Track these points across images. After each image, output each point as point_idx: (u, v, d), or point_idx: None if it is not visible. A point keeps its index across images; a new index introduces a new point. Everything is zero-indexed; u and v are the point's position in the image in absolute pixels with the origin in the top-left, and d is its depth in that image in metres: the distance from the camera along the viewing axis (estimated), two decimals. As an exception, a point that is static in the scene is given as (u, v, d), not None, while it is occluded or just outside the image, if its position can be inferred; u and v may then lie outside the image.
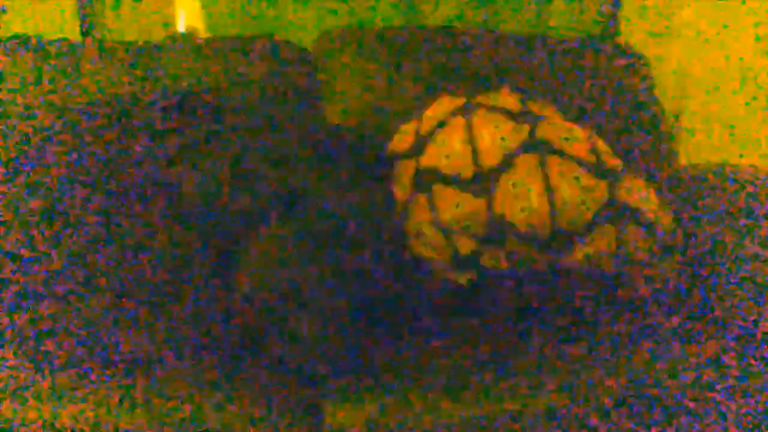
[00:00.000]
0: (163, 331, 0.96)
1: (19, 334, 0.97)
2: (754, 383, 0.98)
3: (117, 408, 0.87)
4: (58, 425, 0.86)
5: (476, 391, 0.93)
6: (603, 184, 1.08)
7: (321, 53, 1.46)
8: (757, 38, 1.68)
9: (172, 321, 0.97)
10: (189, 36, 1.74)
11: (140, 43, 1.43)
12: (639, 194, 1.10)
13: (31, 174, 1.04)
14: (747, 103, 1.70)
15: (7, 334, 0.98)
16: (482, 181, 1.08)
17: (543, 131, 1.12)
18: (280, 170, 1.06)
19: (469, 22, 1.75)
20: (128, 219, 1.00)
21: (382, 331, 1.04)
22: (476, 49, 1.45)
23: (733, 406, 0.97)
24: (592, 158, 1.11)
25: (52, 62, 1.35)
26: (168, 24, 1.74)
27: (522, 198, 1.06)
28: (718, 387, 0.97)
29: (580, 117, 1.22)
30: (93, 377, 0.91)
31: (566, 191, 1.06)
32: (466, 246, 1.09)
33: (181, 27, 1.76)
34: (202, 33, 1.75)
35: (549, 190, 1.06)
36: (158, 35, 1.71)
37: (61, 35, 1.54)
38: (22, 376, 0.92)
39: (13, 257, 0.98)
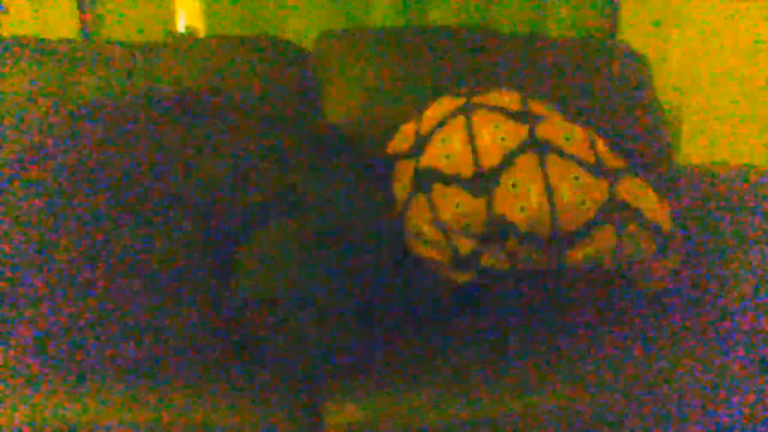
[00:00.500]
0: (162, 331, 0.96)
1: (19, 334, 0.97)
2: (754, 383, 0.98)
3: (116, 408, 0.87)
4: (58, 425, 0.86)
5: (476, 391, 0.93)
6: (603, 184, 1.08)
7: (321, 53, 1.46)
8: (757, 38, 1.68)
9: (172, 321, 0.97)
10: (189, 36, 1.74)
11: (140, 43, 1.43)
12: (639, 194, 1.10)
13: (31, 174, 1.04)
14: (747, 103, 1.70)
15: (7, 334, 0.98)
16: (482, 181, 1.08)
17: (543, 131, 1.12)
18: (280, 170, 1.06)
19: (469, 22, 1.75)
20: (128, 219, 1.00)
21: (382, 331, 1.04)
22: (476, 49, 1.45)
23: (734, 406, 0.97)
24: (592, 158, 1.11)
25: (52, 62, 1.35)
26: (168, 24, 1.74)
27: (522, 198, 1.06)
28: (718, 387, 0.97)
29: (580, 117, 1.22)
30: (92, 377, 0.91)
31: (566, 191, 1.06)
32: (466, 246, 1.09)
33: (181, 27, 1.76)
34: (202, 33, 1.75)
35: (549, 190, 1.06)
36: (158, 35, 1.71)
37: (61, 35, 1.54)
38: (22, 376, 0.92)
39: (13, 257, 0.98)
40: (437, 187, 1.10)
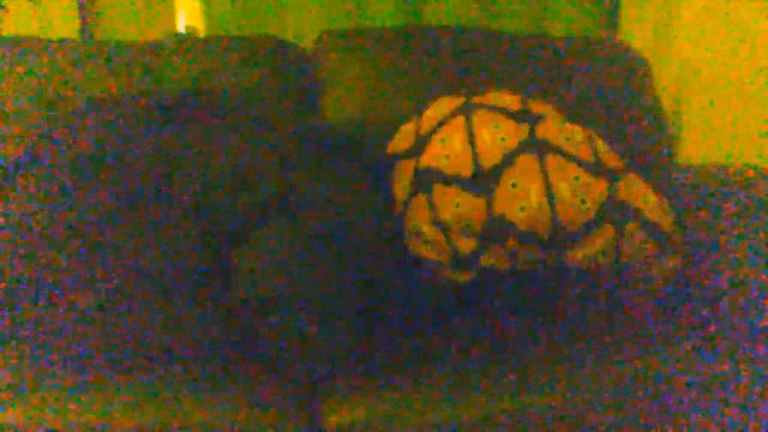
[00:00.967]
0: (161, 331, 0.96)
1: (19, 334, 0.97)
2: (754, 383, 0.98)
3: (115, 408, 0.87)
4: (58, 425, 0.86)
5: (476, 391, 0.93)
6: (603, 184, 1.08)
7: (321, 53, 1.46)
8: (758, 38, 1.68)
9: (171, 321, 0.97)
10: (189, 36, 1.75)
11: (140, 43, 1.43)
12: (639, 194, 1.10)
13: (30, 173, 1.04)
14: (747, 103, 1.70)
15: (7, 334, 0.98)
16: (482, 181, 1.08)
17: (543, 131, 1.12)
18: (280, 170, 1.06)
19: (469, 22, 1.75)
20: (127, 219, 1.00)
21: (381, 331, 1.04)
22: (476, 49, 1.45)
23: (734, 406, 0.97)
24: (592, 158, 1.11)
25: (52, 62, 1.35)
26: (168, 24, 1.74)
27: (522, 198, 1.06)
28: (719, 387, 0.97)
29: (580, 117, 1.22)
30: (92, 377, 0.91)
31: (566, 191, 1.06)
32: (466, 246, 1.09)
33: (181, 27, 1.76)
34: (202, 33, 1.75)
35: (549, 189, 1.06)
36: (158, 35, 1.71)
37: (61, 35, 1.54)
38: (23, 376, 0.92)
39: (13, 256, 0.98)
40: (437, 187, 1.10)
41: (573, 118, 1.20)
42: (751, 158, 1.56)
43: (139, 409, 0.87)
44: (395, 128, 1.25)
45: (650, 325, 1.10)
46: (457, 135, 1.13)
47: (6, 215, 1.00)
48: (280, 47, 1.45)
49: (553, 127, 1.13)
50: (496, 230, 1.06)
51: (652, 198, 1.12)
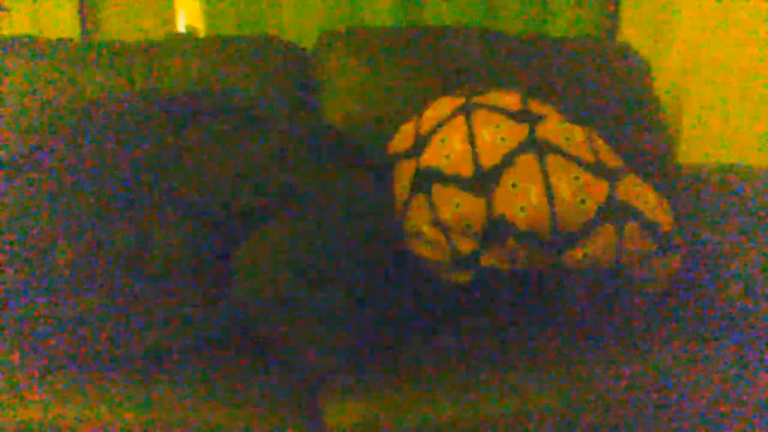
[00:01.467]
0: (161, 331, 0.96)
1: (20, 334, 0.97)
2: (754, 383, 0.98)
3: (116, 408, 0.87)
4: (58, 425, 0.86)
5: (476, 391, 0.93)
6: (603, 184, 1.08)
7: (321, 53, 1.46)
8: (758, 38, 1.68)
9: (172, 321, 0.97)
10: (189, 36, 1.75)
11: (140, 43, 1.43)
12: (639, 194, 1.10)
13: (31, 173, 1.04)
14: (747, 103, 1.70)
15: (7, 334, 0.98)
16: (482, 181, 1.08)
17: (543, 131, 1.12)
18: (280, 170, 1.06)
19: (469, 22, 1.75)
20: (127, 218, 1.00)
21: (381, 331, 1.04)
22: (476, 49, 1.45)
23: (734, 406, 0.97)
24: (592, 158, 1.11)
25: (52, 62, 1.35)
26: (168, 24, 1.74)
27: (522, 198, 1.06)
28: (719, 387, 0.97)
29: (580, 117, 1.22)
30: (92, 377, 0.91)
31: (566, 191, 1.06)
32: (466, 246, 1.09)
33: (181, 27, 1.76)
34: (202, 33, 1.75)
35: (549, 189, 1.06)
36: (158, 35, 1.72)
37: (61, 35, 1.54)
38: (23, 376, 0.92)
39: (13, 256, 0.98)
40: (437, 187, 1.10)
41: (573, 118, 1.20)
42: (751, 158, 1.56)
43: (138, 408, 0.87)
44: (395, 128, 1.25)
45: (650, 325, 1.10)
46: (457, 135, 1.13)
47: (6, 215, 1.00)
48: (280, 47, 1.45)
49: (553, 127, 1.13)
50: (496, 230, 1.06)
51: (652, 198, 1.12)
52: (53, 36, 1.43)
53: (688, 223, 1.20)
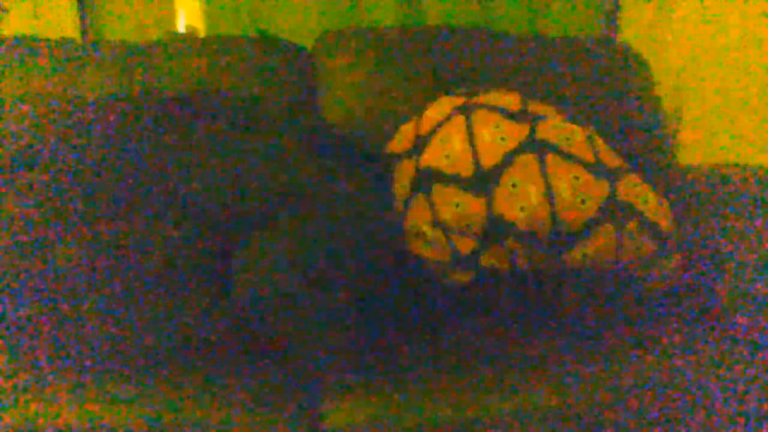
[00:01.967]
0: (161, 332, 0.96)
1: (20, 334, 0.97)
2: (754, 383, 0.98)
3: (115, 408, 0.87)
4: (58, 425, 0.86)
5: (476, 391, 0.93)
6: (603, 184, 1.08)
7: (321, 53, 1.46)
8: (758, 38, 1.68)
9: (171, 322, 0.97)
10: (189, 36, 1.74)
11: (140, 43, 1.43)
12: (639, 194, 1.10)
13: (31, 173, 1.04)
14: (747, 103, 1.70)
15: (8, 334, 0.98)
16: (482, 181, 1.08)
17: (543, 131, 1.12)
18: (280, 170, 1.06)
19: (469, 22, 1.75)
20: (127, 219, 1.00)
21: (381, 331, 1.04)
22: (476, 49, 1.45)
23: (734, 407, 0.97)
24: (592, 158, 1.11)
25: (52, 62, 1.35)
26: (168, 24, 1.74)
27: (522, 198, 1.06)
28: (719, 387, 0.97)
29: (580, 117, 1.22)
30: (92, 378, 0.91)
31: (566, 191, 1.06)
32: (466, 246, 1.09)
33: (181, 27, 1.76)
34: (202, 33, 1.75)
35: (549, 189, 1.06)
36: (158, 35, 1.71)
37: (61, 35, 1.54)
38: (22, 376, 0.92)
39: (13, 256, 0.98)
40: (437, 187, 1.10)
41: (573, 118, 1.20)
42: (751, 158, 1.56)
43: (139, 409, 0.87)
44: (395, 128, 1.25)
45: (650, 325, 1.09)
46: (457, 135, 1.13)
47: (6, 215, 1.00)
48: (280, 47, 1.45)
49: (553, 127, 1.13)
50: (496, 230, 1.06)
51: (652, 198, 1.12)
52: (53, 36, 1.43)
53: (688, 223, 1.20)
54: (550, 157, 1.09)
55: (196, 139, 1.08)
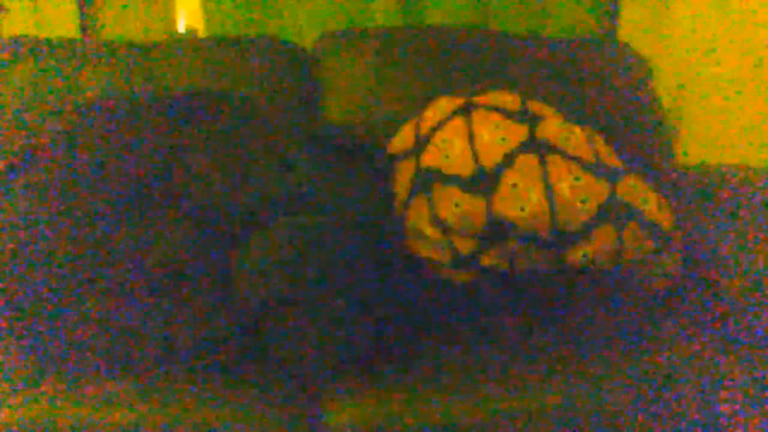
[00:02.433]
0: (161, 332, 0.96)
1: (20, 334, 0.97)
2: (754, 383, 0.98)
3: (116, 409, 0.87)
4: (58, 425, 0.86)
5: (476, 391, 0.93)
6: (603, 184, 1.08)
7: (321, 53, 1.46)
8: (758, 38, 1.68)
9: (171, 322, 0.97)
10: (189, 36, 1.74)
11: (140, 43, 1.43)
12: (639, 194, 1.10)
13: (31, 174, 1.04)
14: (747, 103, 1.70)
15: (8, 334, 0.98)
16: (482, 181, 1.08)
17: (543, 131, 1.12)
18: (280, 170, 1.06)
19: (469, 22, 1.75)
20: (128, 219, 1.00)
21: (381, 331, 1.04)
22: (476, 49, 1.45)
23: (734, 407, 0.97)
24: (592, 158, 1.11)
25: (52, 62, 1.35)
26: (168, 24, 1.74)
27: (522, 198, 1.06)
28: (719, 387, 0.97)
29: (580, 117, 1.22)
30: (92, 378, 0.91)
31: (566, 191, 1.06)
32: (466, 246, 1.09)
33: (181, 27, 1.76)
34: (202, 33, 1.75)
35: (549, 190, 1.06)
36: (158, 35, 1.71)
37: (61, 35, 1.54)
38: (22, 376, 0.92)
39: (13, 256, 0.98)
40: (437, 187, 1.10)
41: (573, 118, 1.20)
42: (751, 158, 1.55)
43: (137, 409, 0.87)
44: (395, 128, 1.25)
45: (650, 325, 1.09)
46: (457, 135, 1.13)
47: (6, 215, 1.00)
48: (280, 47, 1.45)
49: (553, 127, 1.13)
50: (496, 230, 1.06)
51: (652, 198, 1.12)
52: (53, 36, 1.43)
53: (688, 223, 1.20)
54: (550, 158, 1.09)
55: (197, 140, 1.08)
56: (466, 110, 1.16)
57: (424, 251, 1.12)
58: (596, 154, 1.12)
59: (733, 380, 0.98)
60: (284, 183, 1.04)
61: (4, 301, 0.97)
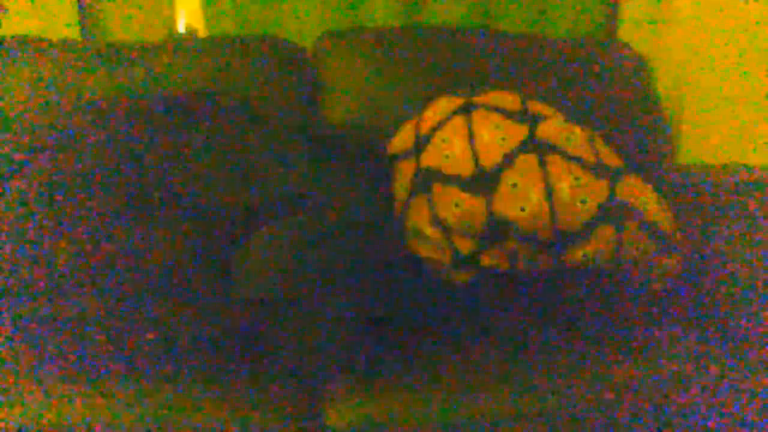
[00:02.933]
0: (162, 331, 0.96)
1: (20, 334, 0.97)
2: (754, 383, 0.98)
3: (116, 409, 0.87)
4: (58, 425, 0.86)
5: (476, 391, 0.93)
6: (603, 184, 1.08)
7: (321, 53, 1.46)
8: (758, 38, 1.68)
9: (171, 321, 0.97)
10: (189, 36, 1.75)
11: (140, 43, 1.43)
12: (639, 194, 1.10)
13: (31, 174, 1.04)
14: (747, 103, 1.70)
15: (8, 334, 0.98)
16: (482, 181, 1.08)
17: (543, 131, 1.12)
18: (280, 170, 1.06)
19: (469, 22, 1.75)
20: (127, 219, 1.00)
21: (381, 331, 1.04)
22: (476, 49, 1.45)
23: (734, 407, 0.97)
24: (592, 158, 1.11)
25: (52, 62, 1.35)
26: (168, 24, 1.74)
27: (522, 198, 1.06)
28: (719, 387, 0.97)
29: (580, 117, 1.22)
30: (92, 378, 0.91)
31: (566, 191, 1.06)
32: (466, 246, 1.09)
33: (181, 27, 1.76)
34: (202, 33, 1.75)
35: (549, 190, 1.06)
36: (158, 35, 1.71)
37: (61, 35, 1.54)
38: (22, 376, 0.92)
39: (13, 257, 0.98)
40: (437, 187, 1.10)
41: (573, 118, 1.20)
42: (751, 158, 1.56)
43: (139, 408, 0.87)
44: (395, 128, 1.25)
45: (650, 324, 1.10)
46: (457, 135, 1.13)
47: (7, 215, 1.00)
48: (280, 47, 1.45)
49: (553, 127, 1.13)
50: (496, 230, 1.06)
51: (652, 198, 1.12)
52: (53, 36, 1.43)
53: (688, 223, 1.20)
54: (550, 158, 1.09)
55: (197, 140, 1.08)
56: (466, 110, 1.16)
57: (424, 251, 1.12)
58: (596, 154, 1.13)
59: (733, 380, 0.98)
60: (284, 183, 1.04)
61: (4, 301, 0.97)
